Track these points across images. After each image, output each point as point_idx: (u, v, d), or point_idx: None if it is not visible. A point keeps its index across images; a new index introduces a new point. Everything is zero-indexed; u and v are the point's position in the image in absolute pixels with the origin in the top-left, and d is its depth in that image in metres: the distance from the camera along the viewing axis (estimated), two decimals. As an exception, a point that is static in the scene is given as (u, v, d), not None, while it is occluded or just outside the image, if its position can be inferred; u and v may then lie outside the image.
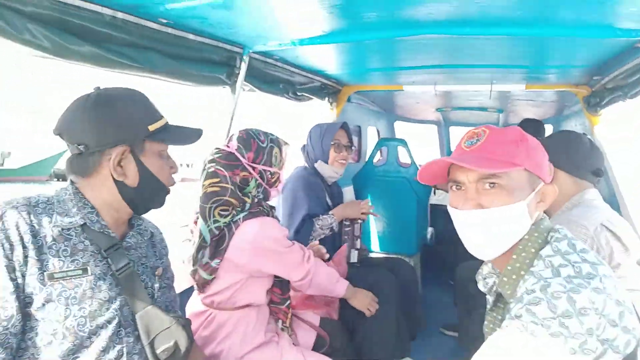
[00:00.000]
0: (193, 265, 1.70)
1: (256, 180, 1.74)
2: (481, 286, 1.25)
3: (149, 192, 1.24)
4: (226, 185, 1.68)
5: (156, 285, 1.31)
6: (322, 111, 3.67)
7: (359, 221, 2.60)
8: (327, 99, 3.41)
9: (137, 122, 1.18)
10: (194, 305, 1.77)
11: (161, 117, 1.25)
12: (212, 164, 1.71)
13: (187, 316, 1.76)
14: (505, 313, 1.10)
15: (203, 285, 1.69)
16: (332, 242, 2.46)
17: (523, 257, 1.02)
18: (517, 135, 1.06)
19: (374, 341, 2.29)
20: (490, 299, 1.24)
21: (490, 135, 1.06)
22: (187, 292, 1.89)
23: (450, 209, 1.12)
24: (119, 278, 1.18)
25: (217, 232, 1.65)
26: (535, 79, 2.97)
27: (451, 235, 3.95)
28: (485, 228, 1.03)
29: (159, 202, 1.29)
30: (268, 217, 1.71)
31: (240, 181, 1.71)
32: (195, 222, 1.76)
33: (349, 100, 3.64)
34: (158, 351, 1.19)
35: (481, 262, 2.81)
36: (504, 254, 1.06)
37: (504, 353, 0.86)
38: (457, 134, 6.26)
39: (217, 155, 1.72)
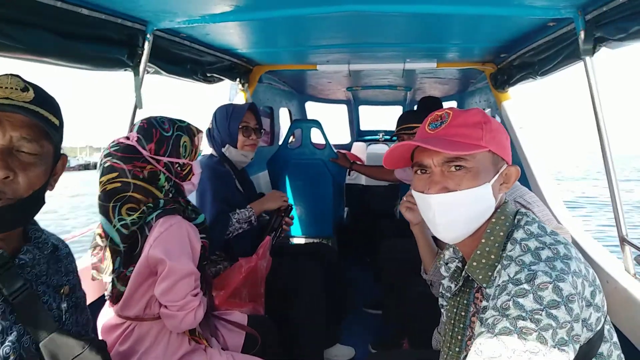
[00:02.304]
0: (105, 273, 1.52)
1: (161, 173, 1.57)
2: (443, 271, 1.24)
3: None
4: (126, 180, 1.50)
5: (63, 306, 1.12)
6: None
7: (282, 213, 2.45)
8: (238, 79, 3.22)
9: None
10: (107, 318, 1.57)
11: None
12: (108, 158, 1.52)
13: (100, 331, 1.58)
14: (472, 297, 1.10)
15: (117, 297, 1.51)
16: (255, 235, 2.33)
17: (492, 240, 1.02)
18: (481, 117, 1.04)
19: (305, 332, 2.23)
20: (449, 284, 1.23)
21: (454, 118, 1.04)
22: (96, 305, 1.68)
23: (415, 193, 1.10)
24: (13, 304, 0.97)
25: (125, 232, 1.46)
26: (445, 56, 3.03)
27: (366, 214, 4.05)
28: (451, 211, 1.03)
29: None
30: (185, 222, 1.54)
31: (149, 175, 1.54)
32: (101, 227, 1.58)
33: (260, 80, 3.49)
34: None
35: (403, 239, 2.89)
36: (470, 238, 1.06)
37: (498, 355, 0.82)
38: (366, 113, 6.37)
39: (114, 149, 1.53)
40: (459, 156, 1.00)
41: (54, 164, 1.07)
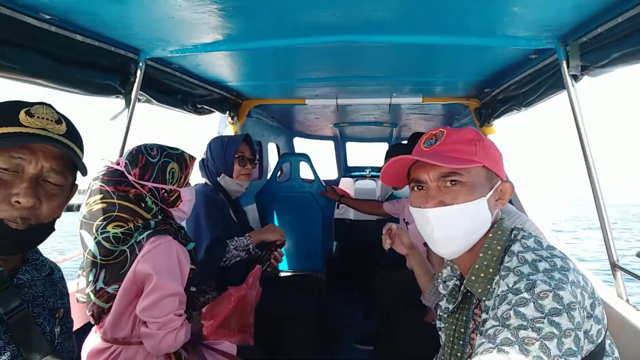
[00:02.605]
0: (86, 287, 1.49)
1: (148, 199, 1.59)
2: (441, 289, 1.24)
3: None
4: (112, 200, 1.52)
5: (56, 330, 1.09)
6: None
7: (276, 247, 2.42)
8: (227, 112, 3.26)
9: None
10: (93, 344, 1.52)
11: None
12: (96, 181, 1.56)
13: (85, 357, 1.52)
14: (471, 313, 1.09)
15: (99, 316, 1.48)
16: (246, 265, 2.29)
17: (490, 255, 1.03)
18: (474, 135, 1.08)
19: (294, 363, 2.17)
20: (447, 305, 1.22)
21: (448, 136, 1.07)
22: (81, 332, 1.63)
23: (412, 209, 1.12)
24: (8, 323, 0.96)
25: (106, 245, 1.45)
26: (431, 91, 3.11)
27: (354, 248, 4.02)
28: (449, 225, 1.04)
29: (10, 249, 1.01)
30: (175, 242, 1.52)
31: (135, 197, 1.55)
32: None
33: (249, 115, 3.53)
34: None
35: (397, 272, 2.86)
36: (468, 253, 1.07)
37: None
38: (353, 149, 6.44)
39: (102, 173, 1.58)
40: (455, 171, 1.02)
41: (70, 194, 1.12)
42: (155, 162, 1.62)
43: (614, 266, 1.72)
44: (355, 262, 3.84)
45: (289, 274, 3.68)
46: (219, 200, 2.34)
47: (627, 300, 1.68)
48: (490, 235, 1.05)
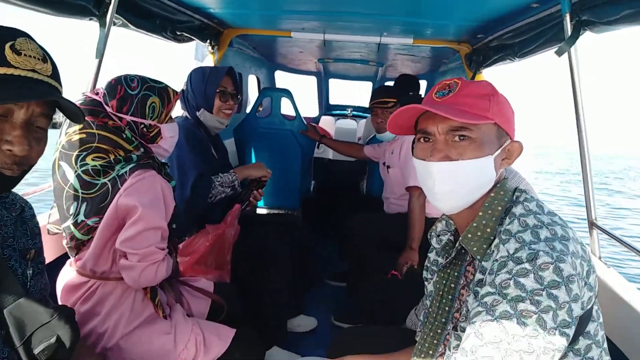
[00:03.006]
0: (63, 222, 1.44)
1: (129, 133, 1.50)
2: (434, 242, 1.23)
3: None
4: (91, 130, 1.44)
5: (29, 272, 1.05)
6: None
7: (258, 185, 2.40)
8: (208, 41, 3.08)
9: None
10: (68, 277, 1.49)
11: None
12: None
13: (60, 289, 1.50)
14: (464, 269, 1.09)
15: (78, 248, 1.45)
16: (225, 204, 2.25)
17: (490, 214, 1.01)
18: (489, 89, 1.02)
19: (270, 301, 2.21)
20: (436, 258, 1.23)
21: (463, 87, 1.01)
22: (54, 265, 1.59)
23: (416, 161, 1.07)
24: None
25: (85, 178, 1.40)
26: (422, 33, 2.99)
27: (331, 188, 4.04)
28: (452, 180, 1.01)
29: None
30: (159, 177, 1.47)
31: (114, 129, 1.47)
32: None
33: (230, 44, 3.35)
34: (36, 351, 0.95)
35: (368, 215, 2.88)
36: (467, 209, 1.05)
37: (498, 348, 0.81)
38: (335, 86, 6.30)
39: (80, 102, 1.48)
40: (465, 125, 0.98)
41: None
42: (135, 95, 1.52)
43: (592, 224, 1.76)
44: (332, 201, 3.85)
45: (266, 211, 3.68)
46: (201, 136, 2.25)
47: (600, 258, 1.73)
48: (492, 194, 1.03)
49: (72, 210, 1.42)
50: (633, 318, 1.38)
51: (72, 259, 1.51)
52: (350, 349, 1.38)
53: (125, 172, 1.41)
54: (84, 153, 1.41)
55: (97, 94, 1.52)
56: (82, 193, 1.40)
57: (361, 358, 1.28)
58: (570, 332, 0.82)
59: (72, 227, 1.42)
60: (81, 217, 1.41)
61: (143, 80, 1.55)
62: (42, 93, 0.94)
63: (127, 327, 1.47)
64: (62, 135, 1.45)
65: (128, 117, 1.51)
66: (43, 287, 1.16)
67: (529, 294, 0.81)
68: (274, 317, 2.23)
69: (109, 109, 1.48)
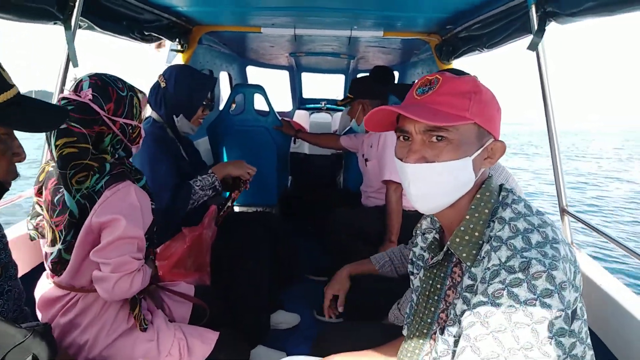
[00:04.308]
0: (53, 244, 1.41)
1: (114, 135, 1.46)
2: (420, 241, 1.22)
3: None
4: (85, 146, 1.37)
5: None
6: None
7: (240, 188, 2.37)
8: (177, 39, 3.03)
9: None
10: (46, 289, 1.46)
11: (9, 87, 0.94)
12: None
13: (38, 302, 1.46)
14: (450, 270, 1.08)
15: (62, 267, 1.41)
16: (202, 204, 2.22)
17: (477, 217, 0.99)
18: (471, 87, 0.98)
19: (251, 301, 2.20)
20: (422, 253, 1.21)
21: (443, 85, 0.98)
22: (30, 276, 1.56)
23: (396, 160, 1.04)
24: None
25: (82, 202, 1.36)
26: (392, 26, 3.00)
27: (308, 183, 4.03)
28: (427, 182, 0.98)
29: None
30: (134, 186, 1.43)
31: (96, 136, 1.42)
32: (38, 195, 1.47)
33: (200, 41, 3.30)
34: None
35: (348, 209, 2.89)
36: (451, 210, 1.03)
37: (496, 356, 0.82)
38: (308, 80, 6.28)
39: (70, 108, 1.37)
40: (441, 126, 0.95)
41: None
42: (125, 96, 1.48)
43: (563, 211, 1.80)
44: (310, 197, 3.86)
45: (244, 209, 3.66)
46: (170, 140, 2.21)
47: (572, 242, 1.78)
48: (478, 196, 1.01)
49: (68, 237, 1.38)
50: (607, 303, 1.42)
51: (48, 272, 1.47)
52: (334, 345, 1.38)
53: (101, 186, 1.37)
54: (73, 171, 1.35)
55: (78, 96, 1.42)
56: (78, 218, 1.36)
57: (346, 356, 1.28)
58: (567, 340, 0.83)
59: (63, 252, 1.39)
60: (69, 238, 1.38)
61: (122, 80, 1.51)
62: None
63: (109, 337, 1.45)
64: (51, 147, 1.37)
65: (122, 120, 1.46)
66: (17, 297, 1.13)
67: (522, 304, 0.81)
68: (256, 316, 2.22)
69: (103, 113, 1.41)
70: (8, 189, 1.02)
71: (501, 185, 1.04)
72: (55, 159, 1.36)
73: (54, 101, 1.46)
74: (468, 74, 1.49)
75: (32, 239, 1.52)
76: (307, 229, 4.01)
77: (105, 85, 1.44)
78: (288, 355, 1.44)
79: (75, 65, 1.85)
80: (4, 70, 0.96)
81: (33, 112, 1.01)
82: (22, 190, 1.84)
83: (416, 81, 1.05)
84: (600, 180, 17.35)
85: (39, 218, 1.50)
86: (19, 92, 0.98)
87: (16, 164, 1.04)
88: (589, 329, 0.94)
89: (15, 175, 1.03)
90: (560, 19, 1.65)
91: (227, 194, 2.38)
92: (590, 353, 0.93)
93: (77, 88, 1.43)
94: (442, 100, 0.97)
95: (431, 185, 0.99)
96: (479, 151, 0.98)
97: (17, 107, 0.96)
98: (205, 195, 2.16)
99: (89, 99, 1.40)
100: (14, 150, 1.01)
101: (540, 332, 0.80)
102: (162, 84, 2.19)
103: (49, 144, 1.38)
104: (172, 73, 2.20)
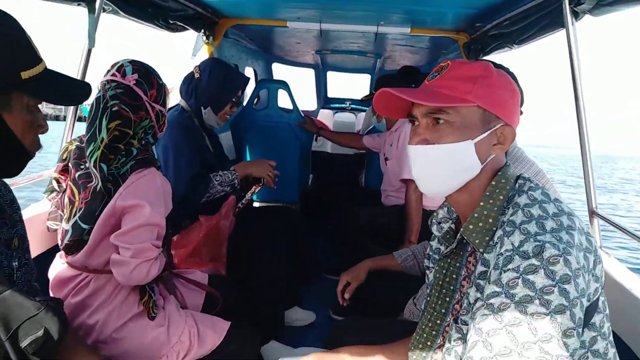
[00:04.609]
0: (68, 222, 1.41)
1: (149, 121, 1.48)
2: (435, 230, 1.18)
3: (4, 158, 0.99)
4: (127, 131, 1.41)
5: (14, 264, 1.03)
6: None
7: (261, 183, 2.36)
8: (202, 30, 3.04)
9: (3, 66, 0.90)
10: (59, 269, 1.46)
11: (39, 60, 0.97)
12: (116, 102, 1.39)
13: (51, 282, 1.47)
14: (465, 260, 1.05)
15: (77, 247, 1.41)
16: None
17: (491, 204, 0.96)
18: (480, 72, 0.97)
19: (266, 295, 2.18)
20: (438, 246, 1.20)
21: (451, 69, 0.98)
22: (44, 257, 1.56)
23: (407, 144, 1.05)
24: None
25: (108, 184, 1.37)
26: (419, 22, 2.96)
27: (330, 182, 4.02)
28: (429, 165, 0.99)
29: (15, 170, 1.03)
30: (159, 174, 1.44)
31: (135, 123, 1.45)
32: (62, 173, 1.49)
33: (226, 35, 3.31)
34: (23, 344, 0.91)
35: (367, 208, 2.85)
36: (466, 196, 1.01)
37: (508, 352, 0.77)
38: (333, 79, 6.25)
39: (120, 91, 1.40)
40: (440, 108, 0.95)
41: None
42: (162, 85, 1.52)
43: (592, 213, 1.72)
44: (331, 195, 3.83)
45: (264, 204, 3.65)
46: (196, 128, 2.22)
47: (601, 247, 1.70)
48: (494, 183, 0.98)
49: (96, 212, 1.39)
50: (634, 306, 1.35)
51: (62, 252, 1.47)
52: (347, 341, 1.35)
53: (127, 170, 1.38)
54: (123, 159, 1.39)
55: (123, 77, 1.45)
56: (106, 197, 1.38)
57: (357, 348, 1.24)
58: (587, 333, 0.81)
59: (85, 233, 1.39)
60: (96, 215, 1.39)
61: (155, 70, 1.53)
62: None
63: (119, 319, 1.44)
64: (103, 131, 1.38)
65: (158, 107, 1.49)
66: (30, 271, 1.13)
67: (538, 292, 0.77)
68: (270, 310, 2.20)
69: (145, 99, 1.45)
70: (33, 157, 1.05)
71: (520, 175, 1.01)
72: (106, 141, 1.38)
73: (98, 82, 1.48)
74: (505, 67, 1.46)
75: (49, 229, 1.53)
76: (327, 228, 3.97)
77: (148, 73, 1.47)
78: None
79: (92, 45, 1.86)
80: (34, 44, 0.98)
81: (62, 85, 1.04)
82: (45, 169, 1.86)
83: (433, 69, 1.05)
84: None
85: (54, 193, 1.51)
86: (46, 68, 1.00)
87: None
88: (614, 332, 0.89)
89: (39, 146, 1.05)
90: (595, 11, 1.58)
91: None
92: (612, 351, 0.89)
93: (120, 72, 1.44)
94: (446, 84, 0.97)
95: (431, 166, 0.99)
96: (483, 135, 0.97)
97: (47, 81, 1.00)
98: (223, 191, 2.16)
99: (134, 84, 1.42)
100: (39, 122, 1.02)
101: (561, 322, 0.75)
102: (197, 75, 2.22)
103: (98, 125, 1.39)
104: (207, 66, 2.23)
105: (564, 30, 1.74)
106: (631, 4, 1.40)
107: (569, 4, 1.68)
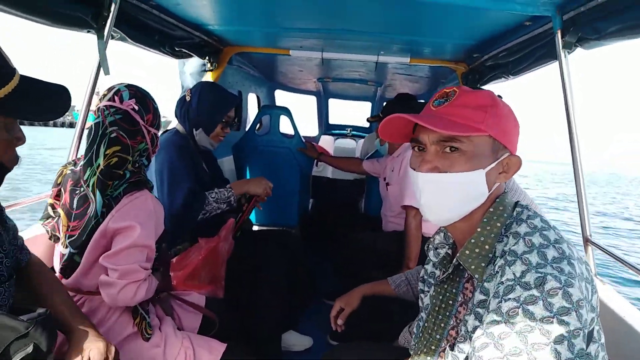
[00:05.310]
0: (65, 247, 1.43)
1: (145, 145, 1.50)
2: (432, 256, 1.20)
3: None
4: (126, 157, 1.42)
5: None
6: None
7: (258, 200, 2.39)
8: (207, 58, 3.11)
9: None
10: None
11: (13, 73, 0.94)
12: (114, 128, 1.42)
13: None
14: (462, 287, 1.05)
15: (72, 270, 1.43)
16: (219, 216, 2.23)
17: (488, 230, 0.97)
18: (488, 101, 0.98)
19: (263, 319, 2.17)
20: (433, 270, 1.20)
21: (460, 96, 0.99)
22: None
23: (409, 170, 1.05)
24: None
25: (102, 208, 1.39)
26: (418, 52, 3.03)
27: (329, 207, 4.01)
28: (439, 193, 0.98)
29: None
30: (151, 196, 1.47)
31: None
32: (56, 198, 1.50)
33: (230, 62, 3.39)
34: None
35: (367, 234, 2.86)
36: (464, 223, 1.02)
37: None
38: (335, 106, 6.34)
39: (118, 117, 1.43)
40: (455, 137, 0.95)
41: None
42: (157, 108, 1.54)
43: (587, 241, 1.74)
44: (330, 220, 3.85)
45: (263, 228, 3.66)
46: (191, 150, 2.25)
47: (596, 274, 1.71)
48: (491, 209, 0.99)
49: (82, 239, 1.40)
50: (629, 335, 1.35)
51: (57, 273, 1.49)
52: (341, 365, 1.35)
53: (119, 192, 1.40)
54: (116, 182, 1.41)
55: (121, 103, 1.46)
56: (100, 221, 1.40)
57: None
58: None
59: (75, 255, 1.41)
60: (84, 240, 1.40)
61: (150, 94, 1.57)
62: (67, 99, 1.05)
63: (114, 340, 1.44)
64: (99, 158, 1.40)
65: (153, 131, 1.52)
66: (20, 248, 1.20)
67: (538, 323, 0.77)
68: (267, 334, 2.19)
69: (142, 124, 1.47)
70: (10, 171, 1.05)
71: (517, 202, 1.02)
72: (102, 167, 1.39)
73: (93, 108, 1.52)
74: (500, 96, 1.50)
75: (50, 237, 1.55)
76: (326, 253, 3.98)
77: (144, 97, 1.50)
78: None
79: (107, 73, 1.92)
80: (5, 55, 0.95)
81: (40, 95, 1.00)
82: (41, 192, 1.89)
83: (435, 94, 1.06)
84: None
85: (49, 220, 1.53)
86: (21, 79, 0.96)
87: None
88: None
89: (17, 160, 1.05)
90: (586, 44, 1.63)
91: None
92: None
93: (117, 97, 1.46)
94: (458, 112, 0.97)
95: (442, 195, 0.98)
96: (493, 164, 0.98)
97: (23, 94, 0.96)
98: (219, 209, 2.17)
99: (132, 109, 1.45)
100: (16, 135, 1.02)
101: (561, 353, 0.76)
102: (188, 98, 2.25)
103: (95, 151, 1.40)
104: (197, 88, 2.26)
105: (557, 62, 1.80)
106: (619, 38, 1.45)
107: (562, 37, 1.73)
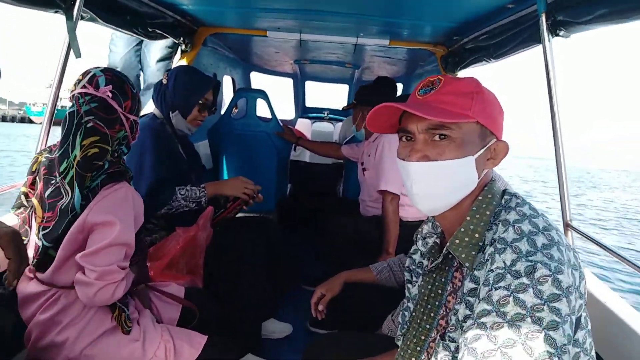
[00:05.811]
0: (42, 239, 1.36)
1: (124, 133, 1.43)
2: (420, 245, 1.19)
3: None
4: (106, 147, 1.36)
5: None
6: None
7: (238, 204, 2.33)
8: (181, 39, 3.01)
9: None
10: (27, 285, 1.41)
11: None
12: (90, 117, 1.34)
13: (20, 298, 1.41)
14: (451, 276, 1.04)
15: (46, 265, 1.36)
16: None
17: (478, 219, 0.97)
18: (473, 87, 0.98)
19: (243, 308, 2.14)
20: (421, 260, 1.19)
21: (445, 84, 0.98)
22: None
23: (397, 160, 1.03)
24: None
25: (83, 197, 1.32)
26: (398, 34, 2.99)
27: (308, 191, 3.99)
28: (430, 181, 0.97)
29: None
30: (131, 189, 1.41)
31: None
32: (31, 186, 1.43)
33: (204, 43, 3.28)
34: None
35: (347, 218, 2.84)
36: (452, 212, 1.01)
37: None
38: (312, 88, 6.26)
39: (94, 105, 1.35)
40: (444, 124, 0.94)
41: None
42: (135, 93, 1.47)
43: (567, 226, 1.75)
44: (308, 204, 3.81)
45: (240, 215, 3.61)
46: (167, 135, 2.18)
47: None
48: (480, 197, 0.99)
49: (57, 233, 1.34)
50: (610, 321, 1.37)
51: (30, 266, 1.42)
52: (325, 356, 1.34)
53: (97, 184, 1.34)
54: (92, 173, 1.34)
55: (96, 90, 1.38)
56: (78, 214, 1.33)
57: None
58: (572, 349, 0.80)
59: (49, 249, 1.35)
60: (59, 234, 1.34)
61: (129, 78, 1.49)
62: None
63: (91, 335, 1.39)
64: (76, 149, 1.33)
65: (132, 117, 1.45)
66: None
67: (529, 310, 0.77)
68: (247, 324, 2.16)
69: (120, 111, 1.40)
70: None
71: (504, 190, 1.02)
72: (79, 159, 1.33)
73: (67, 95, 1.43)
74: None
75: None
76: (305, 238, 3.95)
77: (122, 82, 1.42)
78: None
79: (78, 55, 1.82)
80: None
81: None
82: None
83: (418, 83, 1.04)
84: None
85: (21, 209, 1.46)
86: None
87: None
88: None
89: None
90: (570, 28, 1.62)
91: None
92: None
93: (92, 83, 1.38)
94: (445, 99, 0.97)
95: (434, 184, 0.97)
96: (481, 151, 0.98)
97: None
98: (187, 207, 2.12)
99: (108, 96, 1.38)
100: None
101: (555, 339, 0.75)
102: (164, 81, 2.20)
103: (71, 142, 1.34)
104: (174, 71, 2.21)
105: (541, 45, 1.78)
106: (605, 22, 1.44)
107: (546, 20, 1.71)
